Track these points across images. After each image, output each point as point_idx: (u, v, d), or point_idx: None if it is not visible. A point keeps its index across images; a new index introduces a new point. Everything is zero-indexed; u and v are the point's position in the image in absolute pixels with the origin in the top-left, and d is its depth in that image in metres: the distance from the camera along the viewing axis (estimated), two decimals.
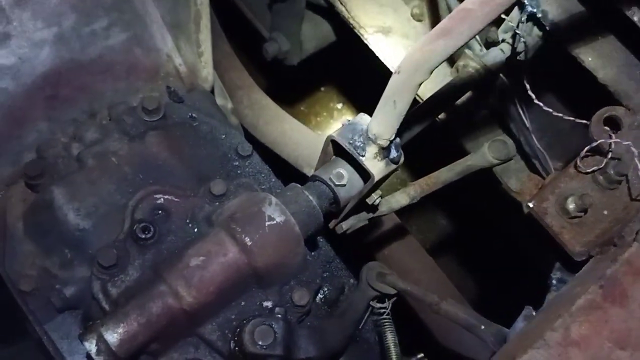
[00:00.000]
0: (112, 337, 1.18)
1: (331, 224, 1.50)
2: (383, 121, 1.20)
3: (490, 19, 1.06)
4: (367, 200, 1.40)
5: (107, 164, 1.45)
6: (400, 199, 1.51)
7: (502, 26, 1.60)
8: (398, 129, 1.41)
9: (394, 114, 1.16)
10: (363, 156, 1.24)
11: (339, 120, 3.75)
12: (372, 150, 1.24)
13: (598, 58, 1.49)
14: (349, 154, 1.27)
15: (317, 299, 1.50)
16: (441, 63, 1.10)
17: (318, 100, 3.81)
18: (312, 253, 1.56)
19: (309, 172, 2.43)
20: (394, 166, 1.28)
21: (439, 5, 1.83)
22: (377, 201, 1.41)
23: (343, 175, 1.33)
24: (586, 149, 1.33)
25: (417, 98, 1.98)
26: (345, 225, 1.48)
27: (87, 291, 1.35)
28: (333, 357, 1.45)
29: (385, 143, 1.23)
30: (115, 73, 1.60)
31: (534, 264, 2.15)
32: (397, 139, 1.26)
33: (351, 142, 1.25)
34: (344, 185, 1.34)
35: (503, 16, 1.52)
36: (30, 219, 1.46)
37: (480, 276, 3.31)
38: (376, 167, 1.25)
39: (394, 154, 1.25)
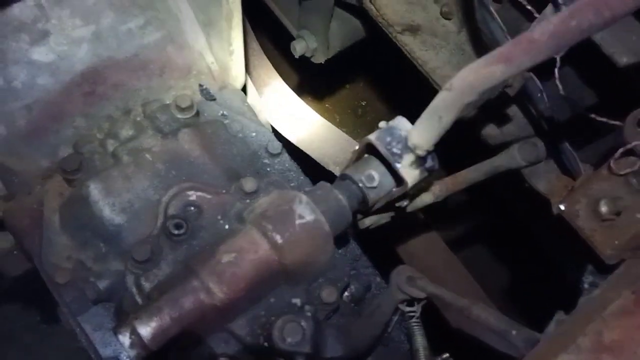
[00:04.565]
0: (145, 330, 1.21)
1: None
2: (425, 133, 1.18)
3: (554, 54, 1.02)
4: (396, 203, 1.40)
5: (141, 160, 1.48)
6: (425, 197, 1.50)
7: None
8: None
9: (438, 127, 1.14)
10: (399, 163, 1.24)
11: (363, 118, 3.74)
12: (409, 158, 1.23)
13: (633, 58, 1.47)
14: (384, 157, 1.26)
15: (344, 296, 1.51)
16: (492, 87, 1.08)
17: (343, 97, 3.81)
18: (340, 251, 1.58)
19: (335, 169, 2.44)
20: (427, 174, 1.27)
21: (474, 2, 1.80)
22: (405, 204, 1.41)
23: (374, 177, 1.32)
24: (620, 150, 1.31)
25: (423, 71, 1.96)
26: (368, 221, 1.48)
27: (121, 285, 1.38)
28: (359, 358, 1.46)
29: (423, 153, 1.21)
30: (149, 71, 1.63)
31: (559, 263, 2.13)
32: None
33: (388, 147, 1.24)
34: (375, 187, 1.34)
35: (535, 15, 1.50)
36: (67, 212, 1.49)
37: (503, 274, 3.28)
38: (411, 175, 1.25)
39: (429, 163, 1.24)
